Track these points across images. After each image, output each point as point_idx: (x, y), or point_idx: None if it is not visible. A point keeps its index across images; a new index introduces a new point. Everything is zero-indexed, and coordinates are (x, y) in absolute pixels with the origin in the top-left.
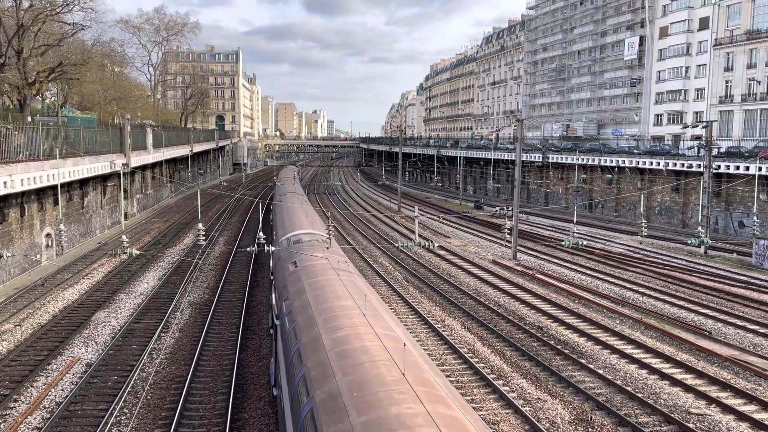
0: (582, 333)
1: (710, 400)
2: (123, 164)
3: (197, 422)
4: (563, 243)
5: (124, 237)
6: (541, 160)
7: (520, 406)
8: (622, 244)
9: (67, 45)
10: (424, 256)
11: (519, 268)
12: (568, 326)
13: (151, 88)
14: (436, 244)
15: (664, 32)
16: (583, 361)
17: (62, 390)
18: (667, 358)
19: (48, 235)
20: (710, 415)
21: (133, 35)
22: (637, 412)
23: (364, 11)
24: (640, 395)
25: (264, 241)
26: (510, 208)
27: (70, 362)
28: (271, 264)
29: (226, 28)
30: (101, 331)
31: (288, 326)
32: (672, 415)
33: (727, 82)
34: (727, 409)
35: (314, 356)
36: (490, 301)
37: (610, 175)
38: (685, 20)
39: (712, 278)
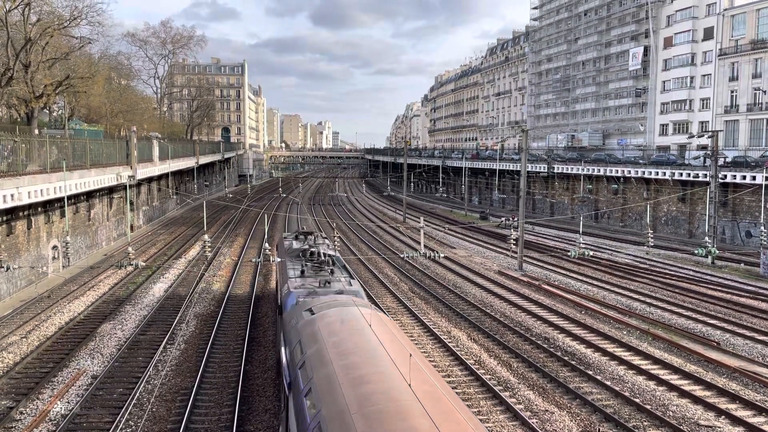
0: (589, 344)
1: (719, 412)
2: (129, 176)
3: None
4: (569, 253)
5: (130, 249)
6: (546, 170)
7: (527, 418)
8: (629, 255)
9: (74, 58)
10: (430, 267)
11: (525, 278)
12: (575, 337)
13: (158, 100)
14: (442, 255)
15: (668, 42)
16: (590, 373)
17: (68, 402)
18: (676, 369)
19: (54, 247)
20: (719, 427)
21: (140, 48)
22: (645, 424)
23: (371, 24)
24: (648, 407)
25: (269, 252)
26: (515, 219)
27: (76, 374)
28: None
29: (234, 41)
30: (107, 343)
31: None
32: (681, 428)
33: (732, 91)
34: (736, 420)
35: None
36: (496, 311)
37: (616, 186)
38: (689, 30)
39: (720, 288)
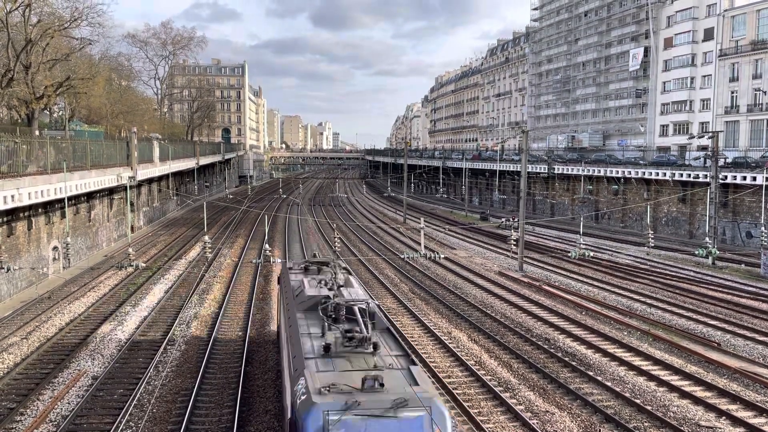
0: (590, 345)
1: (720, 413)
2: (129, 177)
3: None
4: (570, 254)
5: (130, 250)
6: (546, 171)
7: (527, 419)
8: (629, 255)
9: (74, 59)
10: (430, 268)
11: (525, 279)
12: (576, 338)
13: (158, 101)
14: (442, 256)
15: (668, 43)
16: (590, 374)
17: (68, 403)
18: (676, 370)
19: (55, 248)
20: (720, 428)
21: (140, 49)
22: (646, 425)
23: (372, 25)
24: (648, 408)
25: (270, 253)
26: (516, 220)
27: (76, 375)
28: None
29: (235, 42)
30: (107, 344)
31: None
32: (681, 428)
33: (732, 92)
34: (737, 421)
35: None
36: (496, 312)
37: (616, 186)
38: (689, 31)
39: (721, 289)
